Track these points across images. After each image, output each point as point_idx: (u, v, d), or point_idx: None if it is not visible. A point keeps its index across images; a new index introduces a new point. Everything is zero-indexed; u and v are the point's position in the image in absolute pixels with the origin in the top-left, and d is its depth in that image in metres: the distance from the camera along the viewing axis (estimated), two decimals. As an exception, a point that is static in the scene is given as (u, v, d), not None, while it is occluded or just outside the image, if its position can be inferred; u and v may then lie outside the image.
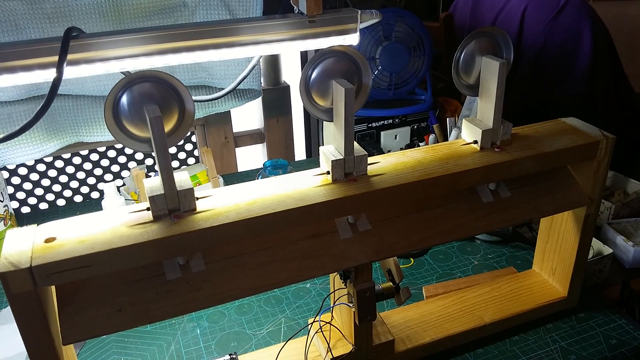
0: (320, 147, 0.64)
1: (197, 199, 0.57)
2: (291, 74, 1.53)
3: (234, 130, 1.49)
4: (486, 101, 0.68)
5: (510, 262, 0.97)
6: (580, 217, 0.77)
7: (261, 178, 1.11)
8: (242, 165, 1.54)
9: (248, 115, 1.55)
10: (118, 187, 1.07)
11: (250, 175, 1.33)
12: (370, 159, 0.65)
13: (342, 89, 0.58)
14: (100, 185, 1.37)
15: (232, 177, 1.33)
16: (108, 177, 1.38)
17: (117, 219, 0.55)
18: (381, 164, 0.65)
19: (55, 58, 0.59)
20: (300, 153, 1.65)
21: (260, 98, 1.30)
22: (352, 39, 0.74)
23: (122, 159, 1.38)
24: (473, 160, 0.66)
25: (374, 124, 1.26)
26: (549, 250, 0.85)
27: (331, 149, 0.63)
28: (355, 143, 0.62)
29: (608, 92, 1.35)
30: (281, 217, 0.57)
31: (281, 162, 1.14)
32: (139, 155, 1.39)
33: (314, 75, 0.60)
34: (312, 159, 1.52)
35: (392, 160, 0.66)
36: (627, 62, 1.41)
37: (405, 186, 0.61)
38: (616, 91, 1.37)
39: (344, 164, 0.61)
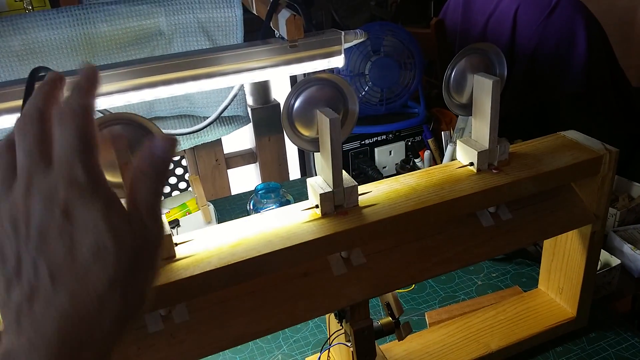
0: (307, 179, 0.60)
1: (176, 244, 0.54)
2: (281, 92, 1.50)
3: (225, 152, 1.45)
4: (480, 121, 0.65)
5: (515, 280, 0.93)
6: (586, 234, 0.73)
7: (253, 203, 1.08)
8: (236, 188, 1.51)
9: (239, 136, 1.51)
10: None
11: (244, 199, 1.29)
12: (361, 189, 0.62)
13: (327, 119, 0.54)
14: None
15: (225, 201, 1.29)
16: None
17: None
18: (373, 194, 0.62)
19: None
20: (294, 171, 1.62)
21: (249, 117, 1.27)
22: (337, 62, 0.71)
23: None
24: (470, 184, 0.62)
25: (367, 141, 1.23)
26: (554, 268, 0.81)
27: (319, 181, 0.60)
28: (344, 173, 0.59)
29: (606, 87, 1.32)
30: (268, 259, 0.53)
31: (273, 185, 1.10)
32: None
33: (296, 104, 0.57)
34: (306, 178, 1.49)
35: (385, 189, 0.63)
36: (621, 55, 1.38)
37: (399, 217, 0.58)
38: (614, 86, 1.34)
39: (333, 197, 0.58)
